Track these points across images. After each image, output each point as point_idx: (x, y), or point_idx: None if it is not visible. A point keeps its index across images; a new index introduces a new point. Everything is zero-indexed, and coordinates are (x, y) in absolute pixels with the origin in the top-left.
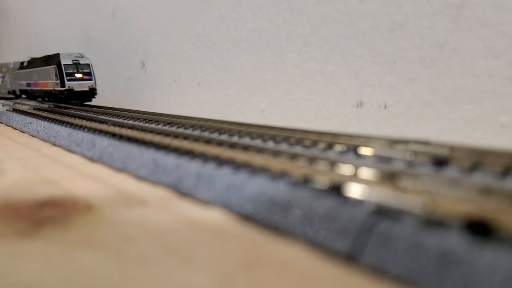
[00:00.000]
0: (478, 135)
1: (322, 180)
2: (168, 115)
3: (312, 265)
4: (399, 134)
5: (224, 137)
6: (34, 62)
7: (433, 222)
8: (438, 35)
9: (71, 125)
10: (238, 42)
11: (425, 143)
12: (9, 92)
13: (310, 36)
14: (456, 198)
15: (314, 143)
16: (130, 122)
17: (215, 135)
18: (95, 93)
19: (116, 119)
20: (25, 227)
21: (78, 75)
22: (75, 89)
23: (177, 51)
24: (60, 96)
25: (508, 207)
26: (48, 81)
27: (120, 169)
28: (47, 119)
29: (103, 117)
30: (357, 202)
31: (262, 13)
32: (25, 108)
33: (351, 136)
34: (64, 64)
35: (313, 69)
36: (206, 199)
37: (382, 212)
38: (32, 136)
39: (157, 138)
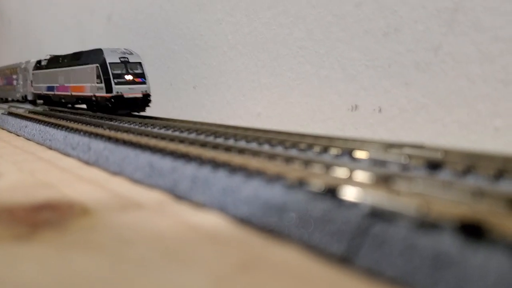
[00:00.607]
0: (472, 138)
1: (318, 183)
2: (163, 119)
3: (307, 267)
4: (393, 137)
5: (219, 140)
6: (58, 61)
7: (427, 224)
8: (433, 39)
9: (67, 128)
10: (234, 45)
11: (420, 146)
12: (23, 98)
13: (306, 40)
14: (450, 201)
15: (310, 147)
16: (126, 125)
17: (210, 138)
18: (149, 101)
19: (111, 123)
20: (22, 231)
21: (128, 77)
22: (125, 96)
23: (173, 54)
24: (104, 104)
25: (501, 210)
26: (84, 84)
27: (116, 173)
28: (42, 122)
29: (99, 120)
30: (352, 205)
31: (258, 17)
32: (20, 111)
33: (346, 140)
34: (110, 63)
35: (308, 72)
36: (202, 202)
37: (376, 215)
38: (27, 139)
39: (152, 142)
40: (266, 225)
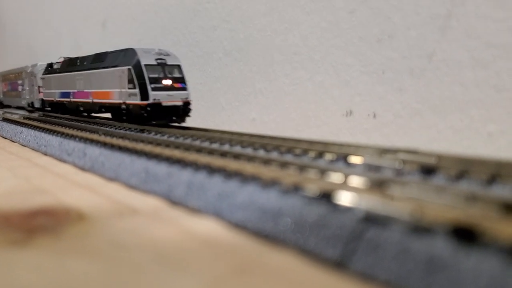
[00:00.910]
0: (465, 144)
1: (313, 188)
2: (159, 124)
3: (302, 272)
4: (388, 143)
5: (215, 145)
6: (76, 63)
7: (421, 228)
8: (426, 45)
9: (62, 134)
10: (229, 51)
11: (414, 152)
12: (29, 105)
13: (300, 46)
14: (443, 205)
15: (305, 152)
16: (121, 131)
17: (206, 144)
18: (190, 109)
19: (107, 129)
20: (17, 236)
21: (167, 82)
22: (163, 103)
23: None
24: (139, 114)
25: (493, 214)
26: (112, 90)
27: (111, 178)
28: (37, 128)
29: (94, 126)
30: (346, 210)
31: (253, 23)
32: (15, 117)
33: (341, 145)
34: (145, 65)
35: (303, 78)
36: (197, 208)
37: (371, 219)
38: (22, 145)
39: (148, 147)
40: (262, 230)
